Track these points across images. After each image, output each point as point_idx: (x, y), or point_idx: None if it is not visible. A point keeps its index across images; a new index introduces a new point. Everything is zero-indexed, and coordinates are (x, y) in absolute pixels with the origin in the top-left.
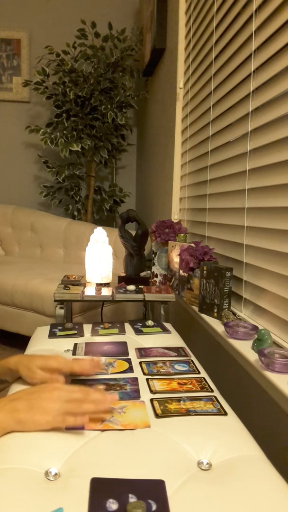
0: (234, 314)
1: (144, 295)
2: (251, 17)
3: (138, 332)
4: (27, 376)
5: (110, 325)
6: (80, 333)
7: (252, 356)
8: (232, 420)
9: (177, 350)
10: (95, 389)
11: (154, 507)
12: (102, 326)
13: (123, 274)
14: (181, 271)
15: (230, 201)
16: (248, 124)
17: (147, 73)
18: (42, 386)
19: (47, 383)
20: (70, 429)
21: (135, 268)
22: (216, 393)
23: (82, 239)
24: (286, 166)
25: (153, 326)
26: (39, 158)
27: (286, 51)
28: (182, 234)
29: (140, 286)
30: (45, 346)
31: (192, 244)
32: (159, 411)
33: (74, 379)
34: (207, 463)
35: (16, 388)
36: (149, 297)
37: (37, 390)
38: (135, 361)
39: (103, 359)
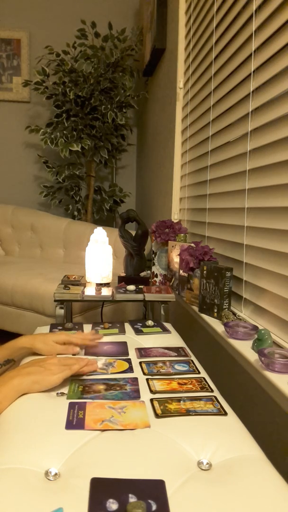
0: (234, 314)
1: (144, 295)
2: (251, 17)
3: (138, 332)
4: (46, 351)
5: (110, 325)
6: None
7: (252, 356)
8: (232, 420)
9: (177, 350)
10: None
11: (154, 507)
12: (102, 326)
13: (123, 274)
14: (181, 271)
15: (230, 201)
16: (248, 124)
17: (147, 73)
18: (41, 358)
19: (64, 353)
20: (70, 428)
21: (135, 268)
22: (216, 393)
23: (82, 239)
24: (286, 166)
25: (153, 326)
26: (39, 158)
27: (286, 51)
28: (182, 234)
29: (140, 286)
30: None
31: (192, 244)
32: (159, 411)
33: (75, 378)
34: (207, 463)
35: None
36: (149, 297)
37: (39, 360)
38: (135, 361)
39: (103, 359)
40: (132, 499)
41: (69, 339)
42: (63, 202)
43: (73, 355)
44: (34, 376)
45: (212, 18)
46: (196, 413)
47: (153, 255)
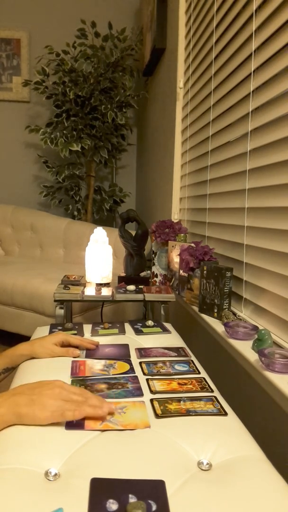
0: (234, 314)
1: (144, 295)
2: (251, 17)
3: (138, 332)
4: (46, 354)
5: (110, 325)
6: (80, 333)
7: (252, 356)
8: (232, 420)
9: (177, 350)
10: (95, 395)
11: (154, 507)
12: (102, 326)
13: (123, 274)
14: (181, 271)
15: (230, 201)
16: (248, 124)
17: (147, 73)
18: (44, 382)
19: (64, 355)
20: (70, 429)
21: (135, 268)
22: (216, 393)
23: (82, 239)
24: (286, 166)
25: (153, 326)
26: (39, 158)
27: (286, 51)
28: (182, 234)
29: (140, 286)
30: None
31: (192, 244)
32: (159, 411)
33: (75, 378)
34: (207, 463)
35: (17, 382)
36: (149, 297)
37: (38, 386)
38: (135, 361)
39: (104, 362)
40: (132, 499)
41: (67, 339)
42: (63, 202)
43: (74, 357)
44: (20, 409)
45: (212, 18)
46: (196, 413)
47: (153, 255)
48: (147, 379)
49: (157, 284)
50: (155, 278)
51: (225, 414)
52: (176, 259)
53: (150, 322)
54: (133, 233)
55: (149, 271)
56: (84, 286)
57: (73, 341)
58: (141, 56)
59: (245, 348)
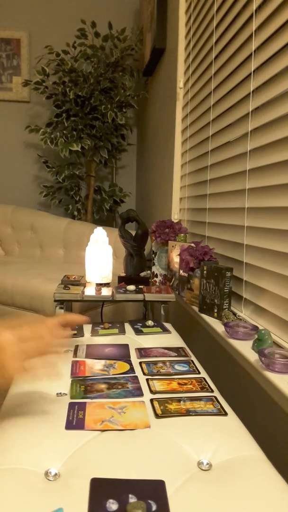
0: (234, 314)
1: (144, 295)
2: (251, 17)
3: (138, 332)
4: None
5: (110, 325)
6: (80, 333)
7: (252, 356)
8: (232, 420)
9: (177, 350)
10: (45, 327)
11: (154, 507)
12: (102, 326)
13: (123, 274)
14: (181, 271)
15: (230, 201)
16: (248, 124)
17: (147, 73)
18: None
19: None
20: (70, 428)
21: (135, 268)
22: (216, 393)
23: (82, 239)
24: (286, 166)
25: (153, 326)
26: (39, 158)
27: (286, 51)
28: (182, 234)
29: (140, 286)
30: None
31: (192, 244)
32: (159, 411)
33: (75, 378)
34: (207, 463)
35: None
36: (149, 297)
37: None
38: (135, 361)
39: (103, 362)
40: (132, 499)
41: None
42: (63, 202)
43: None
44: None
45: (212, 18)
46: (196, 413)
47: (153, 255)
48: (147, 379)
49: (157, 284)
50: (155, 278)
51: (225, 414)
52: (176, 259)
53: (150, 322)
54: (133, 233)
55: (149, 271)
56: (84, 286)
57: (68, 318)
58: (141, 56)
59: (245, 348)
